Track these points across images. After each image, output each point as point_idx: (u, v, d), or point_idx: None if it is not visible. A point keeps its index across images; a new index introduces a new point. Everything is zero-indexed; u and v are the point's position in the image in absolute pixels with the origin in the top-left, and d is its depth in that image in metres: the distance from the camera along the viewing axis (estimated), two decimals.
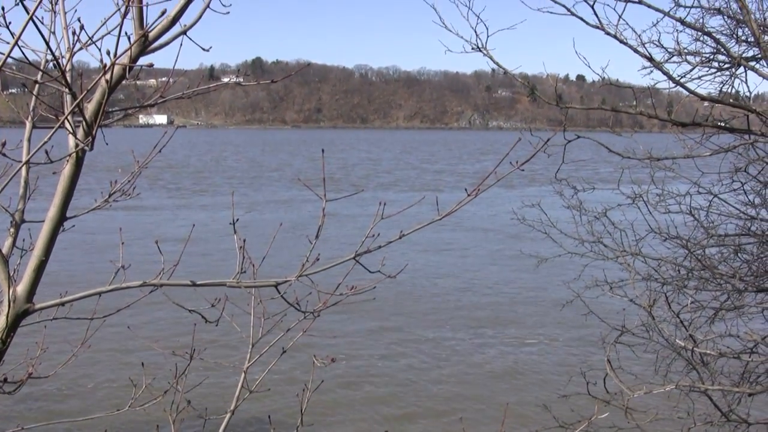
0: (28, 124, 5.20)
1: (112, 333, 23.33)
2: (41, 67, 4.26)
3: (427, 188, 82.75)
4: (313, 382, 5.98)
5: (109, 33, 3.93)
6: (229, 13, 4.03)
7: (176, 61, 4.12)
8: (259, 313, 5.72)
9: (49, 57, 3.72)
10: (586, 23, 9.31)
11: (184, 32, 3.86)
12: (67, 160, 3.94)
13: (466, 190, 4.31)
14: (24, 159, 4.18)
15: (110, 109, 4.00)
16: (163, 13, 3.69)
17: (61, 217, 4.07)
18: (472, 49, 9.68)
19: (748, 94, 10.68)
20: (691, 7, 10.60)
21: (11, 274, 4.10)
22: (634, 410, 9.68)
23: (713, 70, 11.32)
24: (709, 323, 11.79)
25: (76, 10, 4.34)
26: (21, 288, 4.04)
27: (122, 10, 3.57)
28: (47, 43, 3.60)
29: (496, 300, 32.08)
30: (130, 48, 3.71)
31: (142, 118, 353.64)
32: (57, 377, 7.47)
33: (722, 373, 11.28)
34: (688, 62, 10.92)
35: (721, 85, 11.40)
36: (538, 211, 13.20)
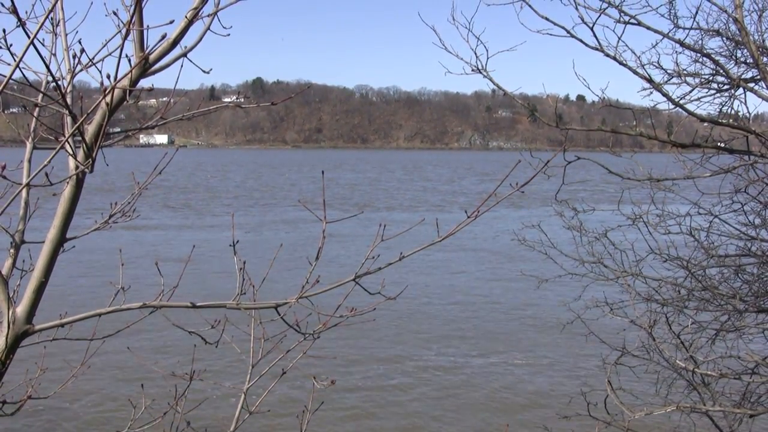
0: (29, 145, 5.21)
1: (112, 354, 23.29)
2: (42, 89, 4.28)
3: (427, 209, 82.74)
4: (313, 403, 5.97)
5: (109, 54, 3.94)
6: (229, 35, 4.04)
7: (177, 82, 4.13)
8: (259, 335, 5.72)
9: (50, 78, 3.73)
10: (586, 45, 9.36)
11: (184, 54, 3.88)
12: (68, 182, 3.94)
13: (465, 211, 4.31)
14: (24, 181, 4.19)
15: (111, 131, 4.01)
16: (164, 36, 3.70)
17: (61, 239, 4.07)
18: (472, 70, 9.71)
19: (747, 115, 10.70)
20: (690, 28, 10.64)
21: (11, 295, 4.10)
22: None
23: (712, 92, 11.35)
24: (710, 344, 11.77)
25: (77, 32, 4.35)
26: (21, 309, 4.04)
27: (123, 32, 3.59)
28: (47, 67, 3.62)
29: (496, 321, 32.02)
30: (131, 71, 3.73)
31: (143, 138, 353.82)
32: (56, 398, 7.45)
33: (723, 393, 11.26)
34: (688, 83, 10.95)
35: (720, 107, 11.43)
36: (538, 232, 13.19)
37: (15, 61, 3.32)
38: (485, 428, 20.74)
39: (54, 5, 3.74)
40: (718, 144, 10.27)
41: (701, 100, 11.36)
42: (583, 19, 9.19)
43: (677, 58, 10.81)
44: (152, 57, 3.81)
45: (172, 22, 3.74)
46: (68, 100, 3.90)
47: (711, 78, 11.34)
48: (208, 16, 3.85)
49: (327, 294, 4.38)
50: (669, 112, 10.78)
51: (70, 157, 3.89)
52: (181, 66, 3.95)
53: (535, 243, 13.43)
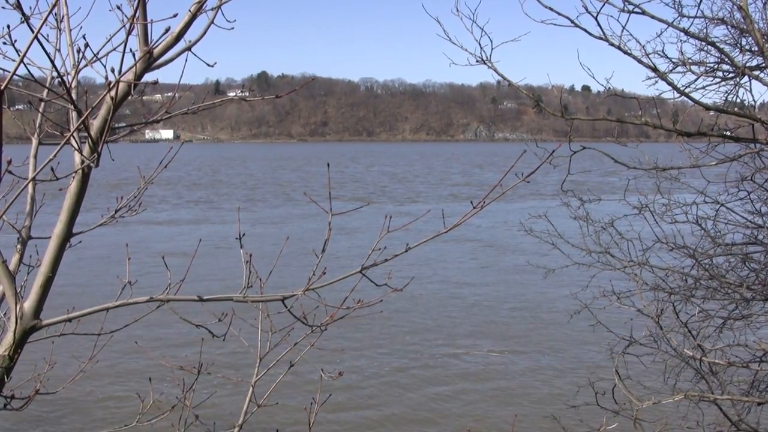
0: (35, 141, 5.23)
1: (120, 348, 23.37)
2: (47, 84, 4.29)
3: (433, 200, 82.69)
4: (321, 395, 5.98)
5: (114, 50, 3.95)
6: (233, 28, 4.05)
7: (181, 76, 4.13)
8: (267, 328, 5.73)
9: (55, 74, 3.74)
10: (590, 34, 9.32)
11: (188, 48, 3.88)
12: (73, 177, 3.95)
13: (471, 202, 4.32)
14: (30, 176, 4.20)
15: (116, 125, 4.01)
16: (168, 30, 3.71)
17: (68, 234, 4.09)
18: (477, 61, 9.69)
19: (753, 103, 10.67)
20: (695, 17, 10.62)
21: (18, 291, 4.12)
22: (643, 421, 9.65)
23: (718, 80, 11.34)
24: (718, 333, 11.76)
25: (81, 27, 4.36)
26: (28, 304, 4.05)
27: (127, 27, 3.59)
28: (52, 61, 3.62)
29: (503, 312, 32.00)
30: (135, 65, 3.73)
31: (148, 133, 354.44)
32: (64, 392, 7.47)
33: (731, 382, 11.25)
34: (693, 72, 10.93)
35: (725, 95, 11.43)
36: (545, 223, 13.18)
37: (19, 56, 3.33)
38: (494, 418, 20.76)
39: (57, 1, 3.75)
40: (724, 132, 10.25)
41: (706, 88, 11.36)
42: (587, 9, 9.15)
43: (682, 47, 10.79)
44: (156, 51, 3.81)
45: (175, 15, 3.75)
46: (73, 95, 3.91)
47: (716, 66, 11.33)
48: (211, 9, 3.85)
49: (334, 286, 4.38)
50: (674, 101, 10.75)
51: (76, 152, 3.90)
52: (186, 60, 3.96)
53: (542, 234, 13.42)
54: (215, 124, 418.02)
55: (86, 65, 4.02)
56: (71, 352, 5.81)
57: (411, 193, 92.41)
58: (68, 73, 4.21)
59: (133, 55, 3.70)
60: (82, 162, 3.88)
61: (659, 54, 10.79)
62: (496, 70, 9.92)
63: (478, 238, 52.33)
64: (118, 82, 3.60)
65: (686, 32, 10.24)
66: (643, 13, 9.59)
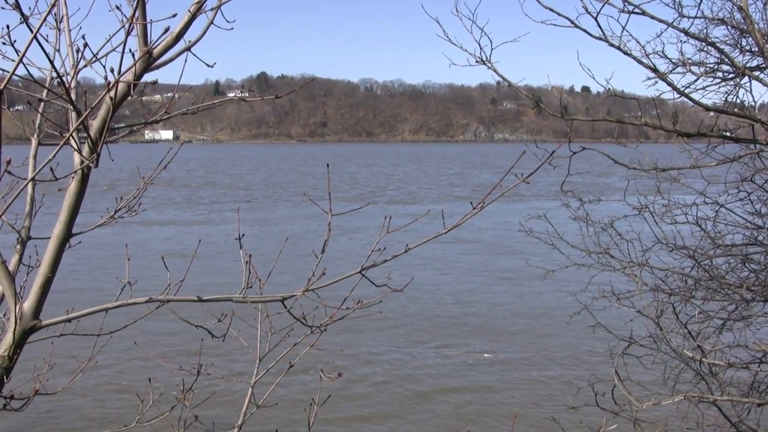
0: (34, 141, 5.22)
1: (119, 348, 23.34)
2: (46, 85, 4.28)
3: (433, 201, 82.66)
4: (320, 396, 5.97)
5: (113, 50, 3.95)
6: (233, 29, 4.04)
7: (181, 76, 4.13)
8: (266, 328, 5.73)
9: (54, 74, 3.74)
10: (590, 35, 9.32)
11: (188, 48, 3.88)
12: (73, 177, 3.95)
13: (471, 203, 4.31)
14: (30, 176, 4.19)
15: (115, 126, 4.01)
16: (167, 30, 3.70)
17: (67, 234, 4.08)
18: (477, 62, 9.68)
19: (752, 103, 10.66)
20: (695, 17, 10.61)
21: (18, 291, 4.11)
22: (642, 422, 9.66)
23: (718, 80, 11.33)
24: (717, 333, 11.75)
25: (80, 28, 4.36)
26: (27, 305, 4.05)
27: (126, 27, 3.59)
28: (51, 62, 3.62)
29: (503, 313, 31.98)
30: (135, 65, 3.73)
31: (148, 134, 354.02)
32: (64, 393, 7.47)
33: (731, 383, 11.25)
34: (693, 73, 10.92)
35: (725, 95, 11.42)
36: (545, 223, 13.16)
37: (18, 56, 3.32)
38: (493, 419, 20.75)
39: (56, 1, 3.74)
40: (724, 133, 10.24)
41: (706, 89, 11.35)
42: (587, 9, 9.14)
43: (682, 48, 10.79)
44: (156, 51, 3.81)
45: (175, 15, 3.74)
46: (72, 95, 3.91)
47: (716, 67, 11.32)
48: (211, 10, 3.85)
49: (334, 287, 4.38)
50: (674, 101, 10.74)
51: (75, 152, 3.90)
52: (185, 60, 3.96)
53: (541, 234, 13.41)
54: (215, 124, 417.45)
55: (85, 65, 4.01)
56: (71, 353, 5.80)
57: (410, 194, 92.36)
58: (67, 74, 4.21)
59: (133, 55, 3.69)
60: (82, 162, 3.87)
61: (659, 54, 10.78)
62: (495, 71, 9.91)
63: (478, 238, 52.31)
64: (117, 82, 3.59)
65: (686, 33, 10.23)
66: (643, 13, 9.58)
